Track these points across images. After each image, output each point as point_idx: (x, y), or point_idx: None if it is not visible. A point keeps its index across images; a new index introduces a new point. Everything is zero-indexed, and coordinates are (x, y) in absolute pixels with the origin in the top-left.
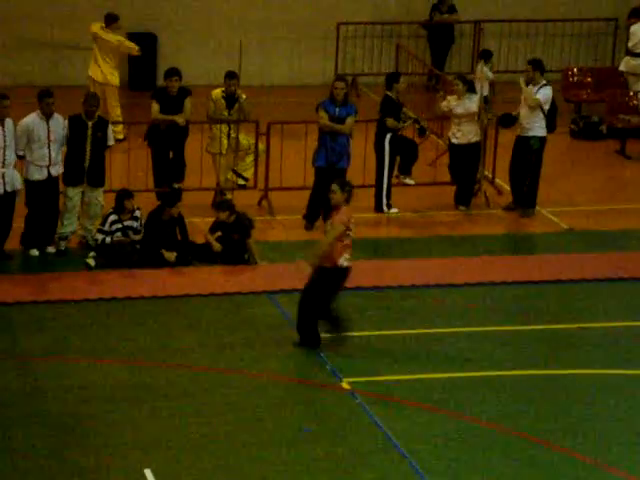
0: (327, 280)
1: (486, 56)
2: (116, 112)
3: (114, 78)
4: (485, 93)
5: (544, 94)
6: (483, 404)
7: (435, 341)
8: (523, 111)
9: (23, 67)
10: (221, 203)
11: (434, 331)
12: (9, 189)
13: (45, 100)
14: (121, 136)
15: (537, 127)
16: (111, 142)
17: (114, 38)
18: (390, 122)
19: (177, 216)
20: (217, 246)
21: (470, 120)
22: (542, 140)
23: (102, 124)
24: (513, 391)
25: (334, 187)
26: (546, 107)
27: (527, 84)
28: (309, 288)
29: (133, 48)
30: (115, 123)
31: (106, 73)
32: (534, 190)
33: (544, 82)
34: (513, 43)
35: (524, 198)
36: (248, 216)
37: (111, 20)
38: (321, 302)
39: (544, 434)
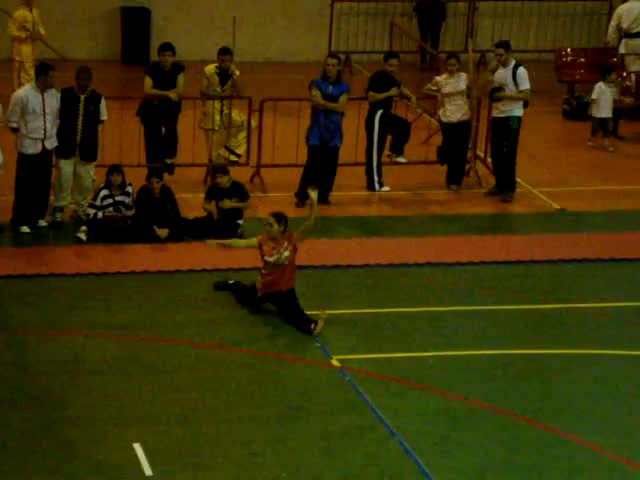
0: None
1: (607, 72)
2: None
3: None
4: (606, 114)
5: (525, 78)
6: (473, 383)
7: (425, 320)
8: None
9: None
10: (220, 167)
11: (424, 309)
12: None
13: (50, 73)
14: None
15: (516, 107)
16: (104, 117)
17: (17, 13)
18: (370, 95)
19: (159, 192)
20: (223, 204)
21: (460, 99)
22: (520, 120)
23: (95, 98)
24: (503, 370)
25: (271, 220)
26: (527, 86)
27: (497, 67)
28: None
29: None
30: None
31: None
32: (512, 172)
33: (513, 62)
34: (507, 22)
35: (504, 181)
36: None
37: None
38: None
39: (534, 413)
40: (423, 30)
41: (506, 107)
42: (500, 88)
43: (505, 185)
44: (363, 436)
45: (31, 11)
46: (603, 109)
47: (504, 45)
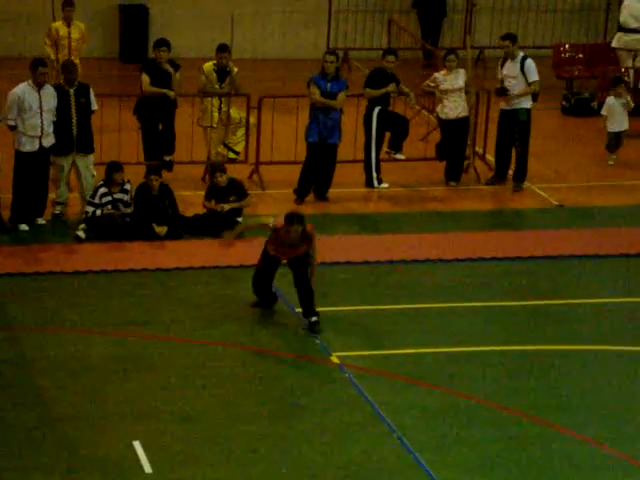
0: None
1: (617, 83)
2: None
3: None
4: (619, 128)
5: (533, 70)
6: (472, 379)
7: (424, 316)
8: (509, 84)
9: None
10: (217, 165)
11: (423, 306)
12: None
13: (39, 70)
14: None
15: (524, 99)
16: (95, 107)
17: (53, 25)
18: (367, 92)
19: (158, 189)
20: (223, 207)
21: (458, 95)
22: (529, 112)
23: (83, 89)
24: (502, 367)
25: (300, 228)
26: (536, 78)
27: (505, 60)
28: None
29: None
30: None
31: None
32: (524, 163)
33: (522, 54)
34: (505, 18)
35: (515, 172)
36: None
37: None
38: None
39: (533, 410)
40: (424, 27)
41: (514, 99)
42: (505, 89)
43: (518, 175)
44: (362, 432)
45: (69, 26)
46: (615, 123)
47: (510, 37)
